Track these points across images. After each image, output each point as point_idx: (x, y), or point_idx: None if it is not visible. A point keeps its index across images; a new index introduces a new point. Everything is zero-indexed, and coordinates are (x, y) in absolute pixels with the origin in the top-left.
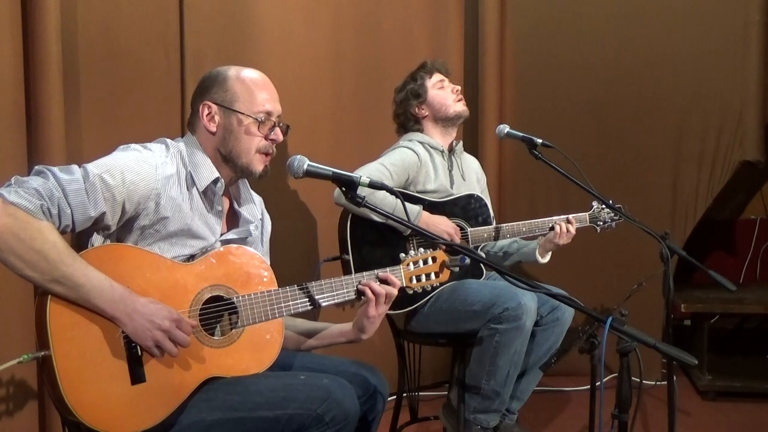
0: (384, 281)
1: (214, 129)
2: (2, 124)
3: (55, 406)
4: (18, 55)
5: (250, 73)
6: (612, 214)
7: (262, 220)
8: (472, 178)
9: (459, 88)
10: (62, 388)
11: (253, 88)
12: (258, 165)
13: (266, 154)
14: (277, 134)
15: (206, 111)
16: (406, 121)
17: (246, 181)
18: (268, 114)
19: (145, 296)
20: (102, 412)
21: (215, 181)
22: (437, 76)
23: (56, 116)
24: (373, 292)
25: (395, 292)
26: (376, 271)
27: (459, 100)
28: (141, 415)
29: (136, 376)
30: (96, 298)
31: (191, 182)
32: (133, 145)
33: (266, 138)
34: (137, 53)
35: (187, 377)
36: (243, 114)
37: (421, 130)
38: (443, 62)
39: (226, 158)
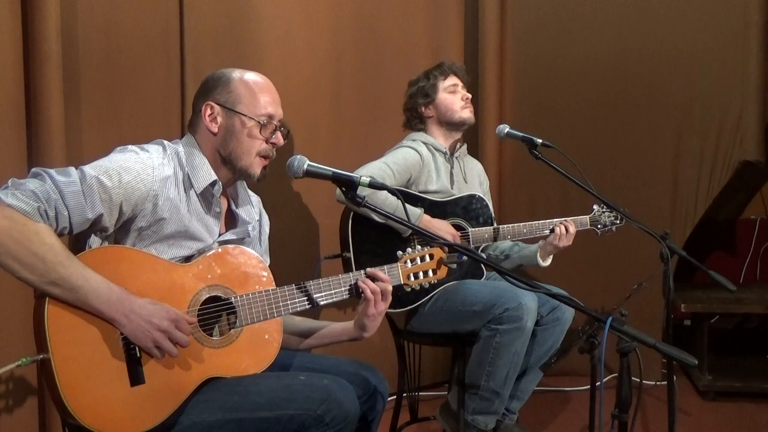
0: (371, 278)
1: (215, 129)
2: (2, 124)
3: (55, 408)
4: (18, 55)
5: (253, 76)
6: (613, 218)
7: (259, 220)
8: (474, 181)
9: (470, 96)
10: (61, 390)
11: (256, 90)
12: (257, 168)
13: (266, 158)
14: (278, 138)
15: (208, 111)
16: (412, 118)
17: (244, 182)
18: (270, 117)
19: (143, 297)
20: (102, 414)
21: (212, 184)
22: (452, 79)
23: (56, 116)
24: (370, 290)
25: (389, 287)
26: (366, 270)
27: (466, 107)
28: (141, 416)
29: (136, 377)
30: (94, 300)
31: (189, 184)
32: (130, 147)
33: (267, 141)
34: (137, 53)
35: (187, 378)
36: (245, 116)
37: (424, 130)
38: (462, 66)
39: (225, 160)
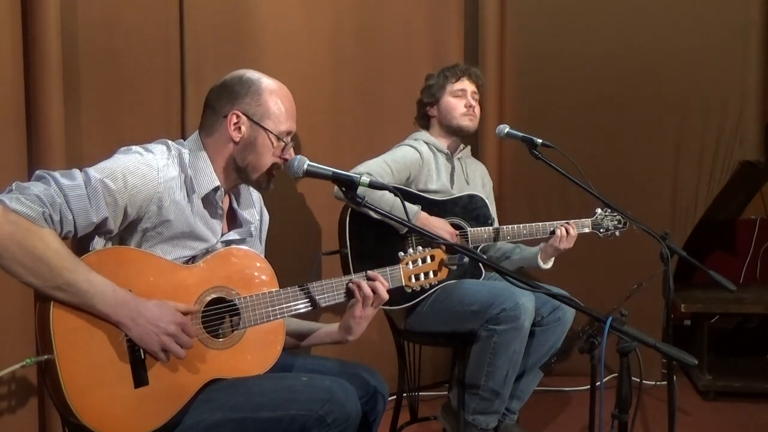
0: (372, 280)
1: (238, 139)
2: (2, 124)
3: (57, 409)
4: (18, 55)
5: (278, 88)
6: (615, 222)
7: (260, 219)
8: (477, 182)
9: (475, 105)
10: (66, 392)
11: (282, 106)
12: (267, 181)
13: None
14: (291, 154)
15: (234, 120)
16: (419, 113)
17: None
18: (289, 133)
19: (148, 299)
20: (106, 415)
21: (215, 189)
22: (462, 83)
23: (56, 116)
24: (361, 292)
25: (384, 294)
26: (366, 272)
27: (467, 115)
28: (144, 417)
29: (140, 379)
30: (99, 303)
31: (191, 187)
32: (134, 148)
33: (281, 157)
34: (137, 53)
35: (190, 379)
36: (271, 133)
37: (427, 127)
38: (476, 71)
39: (239, 169)
